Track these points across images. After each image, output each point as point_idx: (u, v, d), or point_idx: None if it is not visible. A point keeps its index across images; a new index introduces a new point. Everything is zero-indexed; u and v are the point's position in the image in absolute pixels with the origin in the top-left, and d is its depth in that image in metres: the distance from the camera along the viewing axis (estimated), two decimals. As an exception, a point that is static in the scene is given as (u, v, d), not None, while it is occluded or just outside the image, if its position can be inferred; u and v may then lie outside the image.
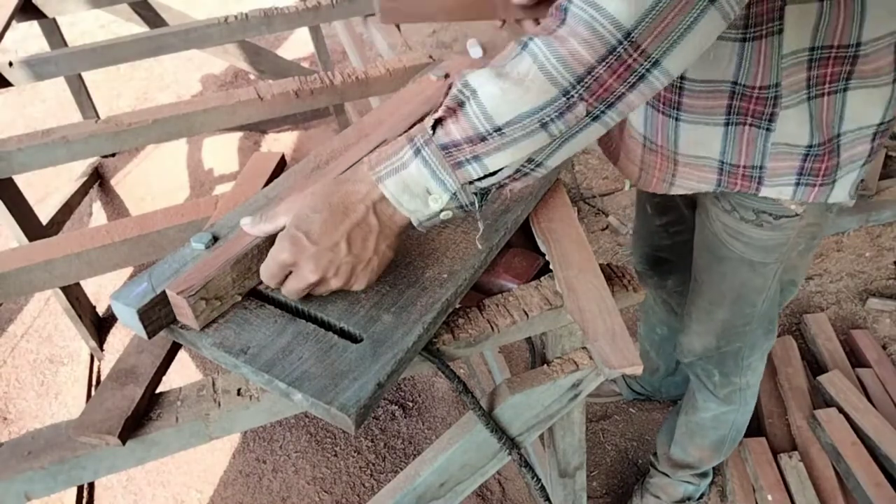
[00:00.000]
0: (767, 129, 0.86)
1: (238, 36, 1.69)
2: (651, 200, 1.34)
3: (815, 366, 1.87)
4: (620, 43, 0.56)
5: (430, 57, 1.36)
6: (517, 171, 0.63)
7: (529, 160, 0.62)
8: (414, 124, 1.04)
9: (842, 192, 0.93)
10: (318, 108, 1.40)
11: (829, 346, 1.86)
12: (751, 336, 1.20)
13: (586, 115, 0.59)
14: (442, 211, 0.65)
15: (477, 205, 0.66)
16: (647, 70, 0.58)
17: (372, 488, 1.70)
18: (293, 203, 0.70)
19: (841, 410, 1.66)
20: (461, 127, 0.61)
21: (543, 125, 0.59)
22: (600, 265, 0.83)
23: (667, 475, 1.55)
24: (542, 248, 0.86)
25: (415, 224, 0.67)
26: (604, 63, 0.56)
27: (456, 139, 0.61)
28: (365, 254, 0.68)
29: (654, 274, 1.49)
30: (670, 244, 1.38)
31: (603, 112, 0.60)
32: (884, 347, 1.89)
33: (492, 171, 0.62)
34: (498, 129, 0.59)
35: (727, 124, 0.88)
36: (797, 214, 0.96)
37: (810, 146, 0.87)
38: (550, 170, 0.65)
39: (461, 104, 0.61)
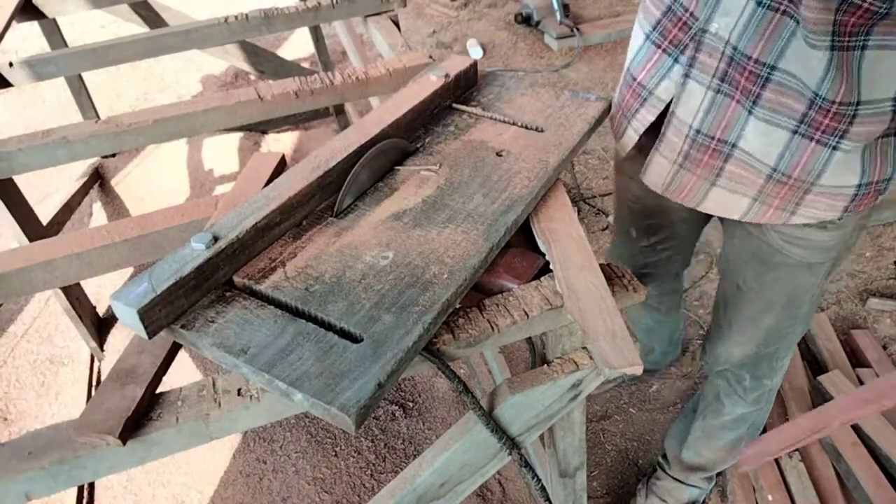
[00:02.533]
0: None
1: (238, 36, 1.69)
2: (641, 224, 1.32)
3: (815, 366, 1.87)
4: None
5: (430, 57, 1.36)
6: None
7: None
8: (415, 124, 1.04)
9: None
10: (318, 108, 1.40)
11: (829, 346, 1.86)
12: (791, 336, 1.19)
13: None
14: None
15: None
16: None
17: (372, 488, 1.70)
18: None
19: (841, 410, 1.66)
20: None
21: None
22: (600, 265, 0.83)
23: (677, 479, 1.53)
24: (542, 248, 0.86)
25: None
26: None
27: None
28: None
29: None
30: (656, 261, 1.38)
31: None
32: (884, 347, 1.89)
33: None
34: None
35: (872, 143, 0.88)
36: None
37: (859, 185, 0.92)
38: None
39: None
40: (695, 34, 0.91)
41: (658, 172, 1.05)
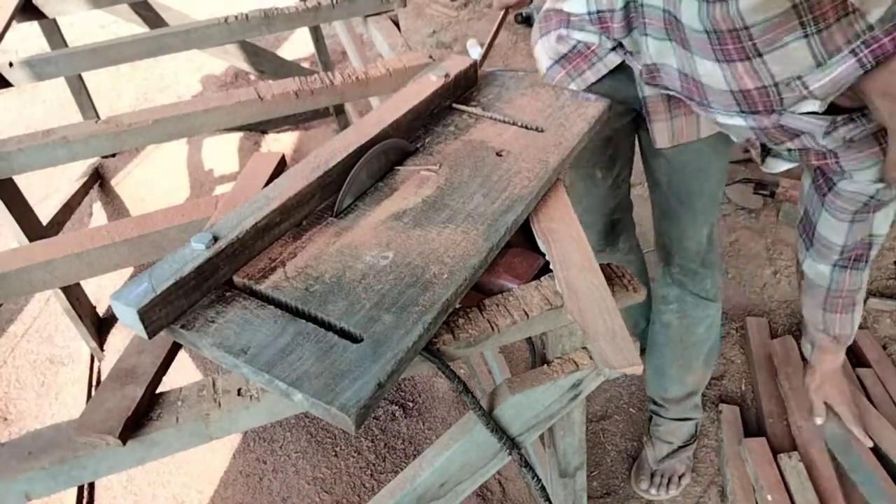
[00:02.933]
0: None
1: (238, 36, 1.69)
2: (602, 159, 1.40)
3: (815, 366, 1.87)
4: None
5: (430, 57, 1.36)
6: None
7: None
8: (415, 124, 1.04)
9: None
10: (318, 108, 1.40)
11: (829, 346, 1.86)
12: (716, 210, 1.34)
13: None
14: None
15: None
16: None
17: (372, 488, 1.70)
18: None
19: (841, 410, 1.66)
20: None
21: None
22: (600, 265, 0.83)
23: (674, 419, 1.64)
24: (542, 248, 0.86)
25: None
26: None
27: None
28: None
29: (606, 244, 1.59)
30: (620, 199, 1.50)
31: None
32: (884, 347, 1.89)
33: None
34: None
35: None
36: None
37: None
38: None
39: None
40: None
41: (661, 134, 1.18)
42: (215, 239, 0.76)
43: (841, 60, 0.77)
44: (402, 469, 1.53)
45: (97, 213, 2.61)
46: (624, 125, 1.30)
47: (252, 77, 3.33)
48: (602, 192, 1.46)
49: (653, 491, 1.66)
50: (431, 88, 1.08)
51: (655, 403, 1.67)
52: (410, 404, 1.89)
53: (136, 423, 0.73)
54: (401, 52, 1.52)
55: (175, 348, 0.82)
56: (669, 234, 1.41)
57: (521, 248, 0.90)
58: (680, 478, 1.67)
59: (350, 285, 0.76)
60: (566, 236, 0.87)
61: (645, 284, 1.93)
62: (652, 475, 1.68)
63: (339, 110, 2.85)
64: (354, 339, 0.70)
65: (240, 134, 2.95)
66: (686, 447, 1.66)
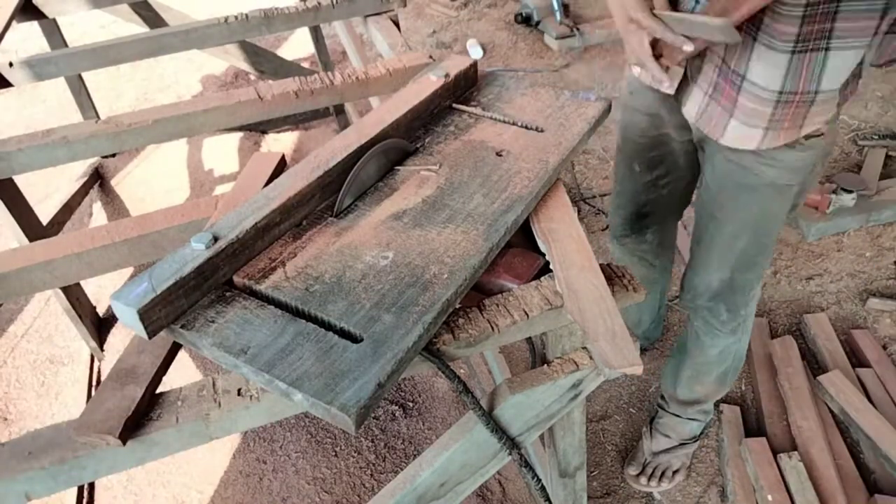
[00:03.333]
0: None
1: (238, 36, 1.69)
2: (645, 157, 1.40)
3: (815, 366, 1.87)
4: None
5: (430, 57, 1.36)
6: None
7: None
8: (415, 124, 1.04)
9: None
10: (318, 108, 1.40)
11: (829, 346, 1.86)
12: (761, 266, 1.28)
13: None
14: None
15: None
16: None
17: (372, 488, 1.70)
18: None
19: (841, 410, 1.66)
20: None
21: None
22: (600, 265, 0.83)
23: (676, 415, 1.63)
24: (542, 248, 0.86)
25: None
26: None
27: None
28: None
29: (633, 232, 1.58)
30: (656, 197, 1.47)
31: None
32: (884, 347, 1.89)
33: None
34: None
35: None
36: (822, 134, 1.07)
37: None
38: None
39: None
40: None
41: (694, 101, 1.15)
42: (215, 239, 0.76)
43: None
44: (402, 469, 1.53)
45: (97, 213, 2.61)
46: (682, 141, 1.29)
47: (252, 77, 3.33)
48: (637, 184, 1.46)
49: (642, 480, 1.66)
50: (431, 88, 1.08)
51: (663, 398, 1.68)
52: (410, 404, 1.89)
53: (136, 423, 0.73)
54: (401, 52, 1.52)
55: (175, 348, 0.82)
56: (695, 253, 1.37)
57: (521, 248, 0.90)
58: (674, 473, 1.66)
59: (350, 285, 0.76)
60: (566, 236, 0.87)
61: (660, 321, 1.94)
62: (645, 465, 1.67)
63: (339, 110, 2.84)
64: (354, 339, 0.70)
65: (240, 134, 2.94)
66: (685, 445, 1.66)
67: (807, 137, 1.07)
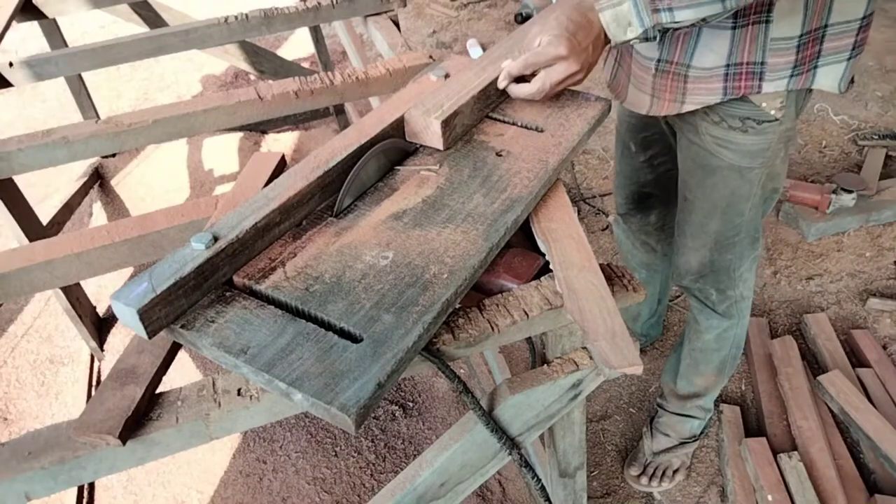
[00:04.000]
0: (767, 21, 0.99)
1: (238, 36, 1.69)
2: (637, 137, 1.43)
3: (815, 366, 1.87)
4: None
5: (430, 57, 1.36)
6: (692, 24, 0.88)
7: (703, 20, 0.88)
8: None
9: (827, 81, 1.06)
10: (318, 108, 1.40)
11: (829, 346, 1.86)
12: (739, 246, 1.30)
13: None
14: (630, 39, 0.91)
15: (658, 38, 0.91)
16: None
17: (372, 488, 1.70)
18: (544, 21, 0.95)
19: (841, 410, 1.66)
20: None
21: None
22: (600, 265, 0.83)
23: (675, 413, 1.63)
24: (542, 248, 0.86)
25: (611, 42, 0.94)
26: None
27: None
28: (594, 57, 0.95)
29: (637, 212, 1.60)
30: (654, 178, 1.49)
31: None
32: (884, 347, 1.89)
33: (676, 21, 0.87)
34: None
35: (734, 28, 1.01)
36: (777, 119, 1.09)
37: (801, 35, 1.00)
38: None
39: None
40: None
41: (622, 87, 1.25)
42: (215, 239, 0.76)
43: None
44: (402, 469, 1.53)
45: (97, 213, 2.61)
46: (666, 126, 1.34)
47: (252, 77, 3.33)
48: (634, 163, 1.49)
49: (643, 480, 1.66)
50: (431, 88, 1.08)
51: (662, 396, 1.68)
52: (410, 404, 1.89)
53: (136, 423, 0.73)
54: (401, 52, 1.52)
55: (175, 348, 0.82)
56: (676, 235, 1.41)
57: (521, 248, 0.90)
58: (674, 472, 1.66)
59: (350, 285, 0.76)
60: (566, 236, 0.87)
61: (660, 317, 1.94)
62: (645, 465, 1.68)
63: (339, 110, 2.85)
64: (354, 339, 0.70)
65: (240, 134, 2.94)
66: (685, 444, 1.66)
67: (759, 122, 1.09)
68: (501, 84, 1.04)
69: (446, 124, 0.97)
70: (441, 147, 0.98)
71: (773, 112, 1.08)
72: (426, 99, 1.01)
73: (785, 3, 0.97)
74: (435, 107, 0.98)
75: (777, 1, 0.96)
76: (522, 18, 3.64)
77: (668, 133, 1.36)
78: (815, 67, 1.04)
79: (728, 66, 1.04)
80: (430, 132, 0.98)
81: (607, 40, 0.94)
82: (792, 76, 1.04)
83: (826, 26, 1.00)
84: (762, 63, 1.03)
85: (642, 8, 0.88)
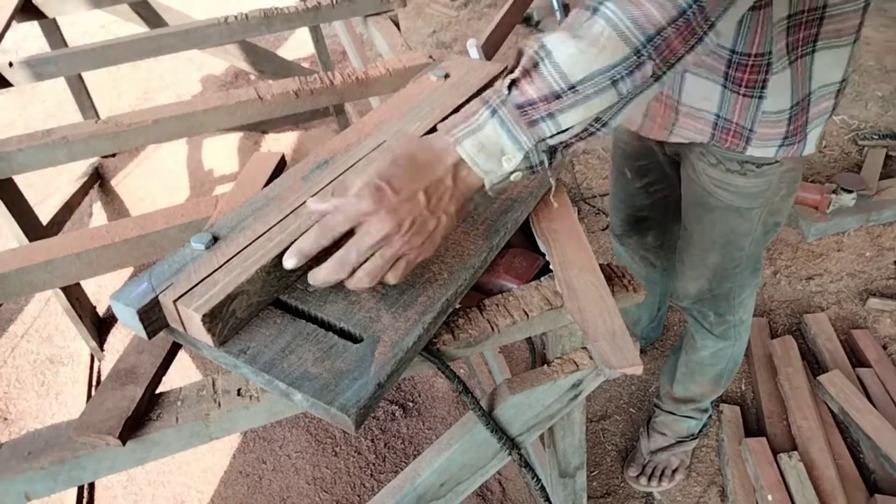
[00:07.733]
0: (760, 98, 0.96)
1: (238, 36, 1.69)
2: (632, 165, 1.40)
3: (815, 366, 1.87)
4: (690, 7, 0.60)
5: (430, 57, 1.36)
6: (585, 129, 0.66)
7: (597, 119, 0.66)
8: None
9: (811, 146, 1.03)
10: (318, 108, 1.40)
11: (829, 346, 1.86)
12: (740, 277, 1.28)
13: (651, 76, 0.63)
14: (513, 172, 0.68)
15: (547, 163, 0.68)
16: (705, 33, 0.62)
17: (372, 488, 1.70)
18: (368, 167, 0.69)
19: (841, 410, 1.66)
20: (537, 87, 0.64)
21: (614, 83, 0.63)
22: (600, 265, 0.83)
23: (671, 413, 1.63)
24: (542, 248, 0.86)
25: (487, 186, 0.69)
26: (673, 25, 0.61)
27: (531, 98, 0.64)
28: (438, 210, 0.68)
29: (633, 233, 1.58)
30: (650, 203, 1.47)
31: (664, 73, 0.64)
32: (884, 347, 1.89)
33: (564, 128, 0.65)
34: (572, 87, 0.63)
35: (724, 87, 0.98)
36: (777, 161, 1.05)
37: (791, 108, 0.97)
38: (611, 130, 0.69)
39: (536, 65, 0.64)
40: None
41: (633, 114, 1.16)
42: (215, 239, 0.76)
43: None
44: (402, 469, 1.53)
45: (97, 213, 2.61)
46: (667, 153, 1.27)
47: (252, 77, 3.33)
48: (630, 189, 1.46)
49: (642, 480, 1.66)
50: (431, 88, 1.08)
51: (658, 396, 1.68)
52: (410, 404, 1.89)
53: (136, 423, 0.73)
54: (401, 52, 1.52)
55: (175, 348, 0.82)
56: (676, 261, 1.39)
57: (521, 248, 0.90)
58: (673, 472, 1.66)
59: (350, 285, 0.76)
60: (566, 236, 0.87)
61: (660, 321, 1.94)
62: (644, 465, 1.68)
63: (339, 110, 2.84)
64: (354, 339, 0.70)
65: (240, 134, 2.94)
66: (682, 443, 1.66)
67: (758, 165, 1.05)
68: (288, 263, 0.69)
69: (213, 316, 0.66)
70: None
71: (772, 155, 1.04)
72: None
73: (778, 77, 0.93)
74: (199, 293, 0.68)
75: (771, 77, 0.93)
76: (523, 18, 3.64)
77: (667, 163, 1.33)
78: (806, 136, 1.02)
79: (718, 116, 1.01)
80: (193, 324, 0.68)
81: (480, 186, 0.69)
82: (781, 146, 1.01)
83: (810, 93, 0.97)
84: (751, 130, 1.00)
85: (512, 125, 0.65)
